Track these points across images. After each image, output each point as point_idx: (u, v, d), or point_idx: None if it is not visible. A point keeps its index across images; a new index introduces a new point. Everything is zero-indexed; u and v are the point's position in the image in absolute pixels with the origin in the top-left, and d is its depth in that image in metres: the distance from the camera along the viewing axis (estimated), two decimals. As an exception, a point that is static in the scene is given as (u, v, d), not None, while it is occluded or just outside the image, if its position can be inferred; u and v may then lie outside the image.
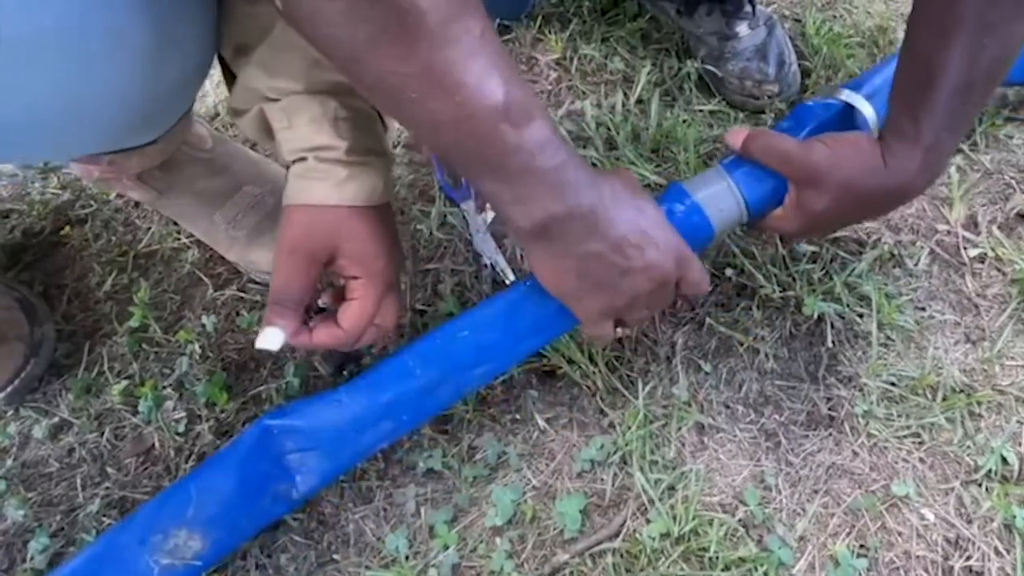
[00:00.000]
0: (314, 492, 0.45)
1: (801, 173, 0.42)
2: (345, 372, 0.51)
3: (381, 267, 0.40)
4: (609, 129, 0.64)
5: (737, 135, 0.44)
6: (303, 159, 0.39)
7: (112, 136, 0.38)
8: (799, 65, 0.67)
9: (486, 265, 0.59)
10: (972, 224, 0.60)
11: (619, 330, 0.42)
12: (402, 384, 0.43)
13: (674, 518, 0.46)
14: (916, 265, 0.58)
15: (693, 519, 0.46)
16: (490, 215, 0.61)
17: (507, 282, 0.58)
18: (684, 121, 0.65)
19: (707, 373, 0.54)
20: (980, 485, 0.48)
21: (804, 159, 0.42)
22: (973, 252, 0.58)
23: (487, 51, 0.29)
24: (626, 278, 0.37)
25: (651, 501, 0.47)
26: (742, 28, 0.66)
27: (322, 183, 0.38)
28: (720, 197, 0.44)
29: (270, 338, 0.38)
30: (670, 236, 0.39)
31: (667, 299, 0.40)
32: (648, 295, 0.38)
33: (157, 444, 0.51)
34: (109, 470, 0.51)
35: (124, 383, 0.53)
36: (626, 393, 0.52)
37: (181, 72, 0.38)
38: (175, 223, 0.61)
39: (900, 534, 0.47)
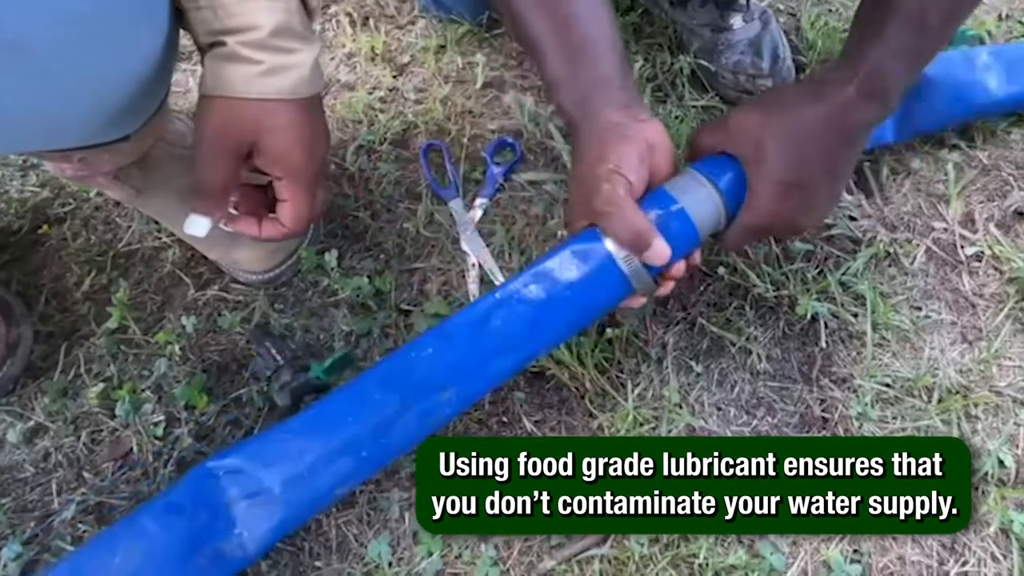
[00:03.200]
0: (266, 548, 0.38)
1: (735, 142, 0.41)
2: (303, 404, 0.48)
3: (300, 166, 0.39)
4: (600, 125, 0.63)
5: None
6: (221, 43, 0.36)
7: (88, 125, 0.37)
8: (793, 60, 0.66)
9: (473, 264, 0.57)
10: (969, 222, 0.59)
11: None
12: (360, 413, 0.38)
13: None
14: (912, 263, 0.57)
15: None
16: (478, 213, 0.60)
17: (495, 282, 0.57)
18: (676, 117, 0.64)
19: (698, 374, 0.52)
20: (976, 488, 0.47)
21: (733, 128, 0.41)
22: (970, 250, 0.57)
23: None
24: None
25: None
26: (736, 20, 0.65)
27: (241, 72, 0.36)
28: (700, 200, 0.41)
29: (196, 225, 0.40)
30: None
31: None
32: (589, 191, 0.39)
33: (135, 448, 0.50)
34: (86, 475, 0.49)
35: (101, 386, 0.52)
36: (615, 395, 0.51)
37: (153, 49, 0.36)
38: (156, 221, 0.59)
39: (895, 539, 0.46)
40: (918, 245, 0.57)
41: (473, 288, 0.57)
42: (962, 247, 0.57)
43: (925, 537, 0.46)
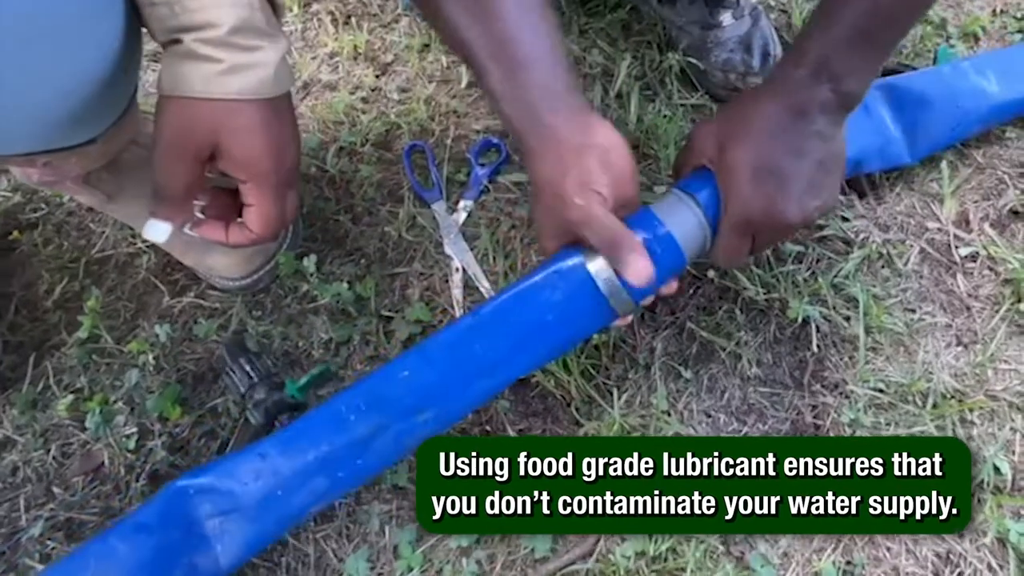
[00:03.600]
0: (239, 563, 0.38)
1: (703, 141, 0.41)
2: (277, 423, 0.46)
3: (266, 169, 0.38)
4: (587, 125, 0.62)
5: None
6: (178, 41, 0.35)
7: (44, 129, 0.35)
8: (785, 57, 0.65)
9: (457, 269, 0.56)
10: (963, 222, 0.58)
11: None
12: (335, 434, 0.37)
13: (650, 536, 0.44)
14: (906, 265, 0.56)
15: (670, 537, 0.44)
16: (462, 216, 0.59)
17: (480, 287, 0.56)
18: (665, 116, 0.63)
19: (687, 380, 0.51)
20: (972, 496, 0.46)
21: (699, 127, 0.41)
22: (965, 251, 0.56)
23: None
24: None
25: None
26: (725, 17, 0.64)
27: (200, 71, 0.34)
28: (684, 219, 0.40)
29: (155, 230, 0.39)
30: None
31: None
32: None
33: (107, 461, 0.49)
34: (55, 490, 0.48)
35: (71, 397, 0.50)
36: (602, 402, 0.50)
37: (109, 48, 0.35)
38: (131, 227, 0.58)
39: (888, 549, 0.45)
40: (911, 246, 0.56)
41: (457, 293, 0.55)
42: (956, 248, 0.56)
43: (919, 547, 0.45)
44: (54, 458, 0.49)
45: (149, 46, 0.61)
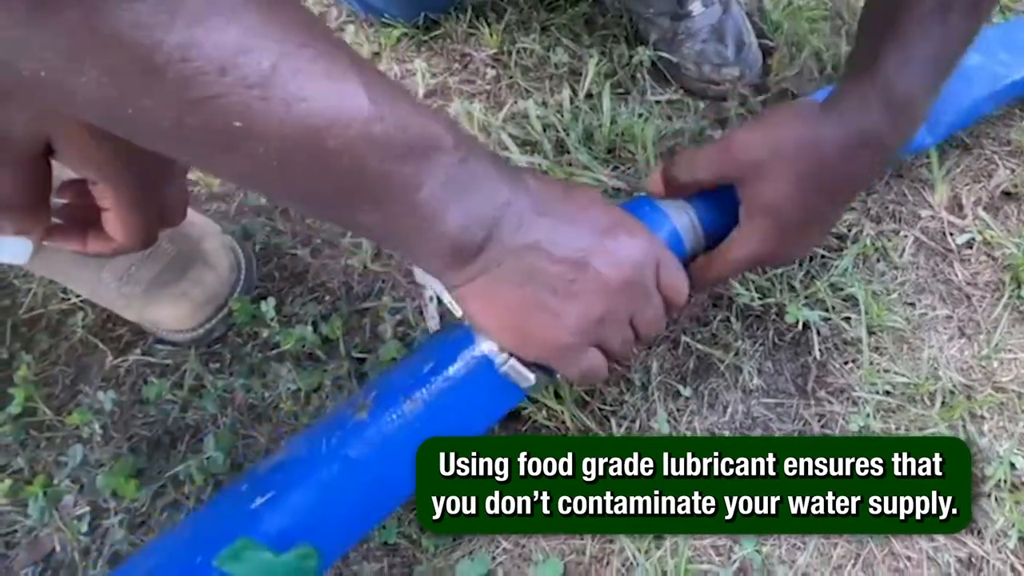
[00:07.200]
0: None
1: (737, 164, 0.37)
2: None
3: (116, 169, 0.33)
4: (558, 130, 0.62)
5: (654, 178, 0.41)
6: None
7: None
8: (760, 44, 0.66)
9: (431, 298, 0.55)
10: (956, 207, 0.59)
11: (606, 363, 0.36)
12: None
13: (663, 573, 0.44)
14: (901, 257, 0.57)
15: (685, 573, 0.44)
16: (432, 239, 0.58)
17: (457, 315, 0.55)
18: (640, 115, 0.63)
19: (687, 398, 0.52)
20: (990, 496, 0.48)
21: (735, 147, 0.37)
22: (960, 238, 0.58)
23: (322, 54, 0.24)
24: (589, 280, 0.32)
25: (635, 553, 0.45)
26: (695, 6, 0.65)
27: None
28: (684, 225, 0.40)
29: (10, 250, 0.34)
30: (633, 223, 0.34)
31: (652, 309, 0.34)
32: (626, 301, 0.33)
33: (58, 548, 0.47)
34: (0, 587, 0.46)
35: (9, 481, 0.48)
36: (599, 432, 0.50)
37: None
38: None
39: (909, 559, 0.46)
40: (905, 236, 0.58)
41: (432, 325, 0.55)
42: (951, 235, 0.58)
43: (941, 554, 0.46)
44: (-5, 551, 0.47)
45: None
